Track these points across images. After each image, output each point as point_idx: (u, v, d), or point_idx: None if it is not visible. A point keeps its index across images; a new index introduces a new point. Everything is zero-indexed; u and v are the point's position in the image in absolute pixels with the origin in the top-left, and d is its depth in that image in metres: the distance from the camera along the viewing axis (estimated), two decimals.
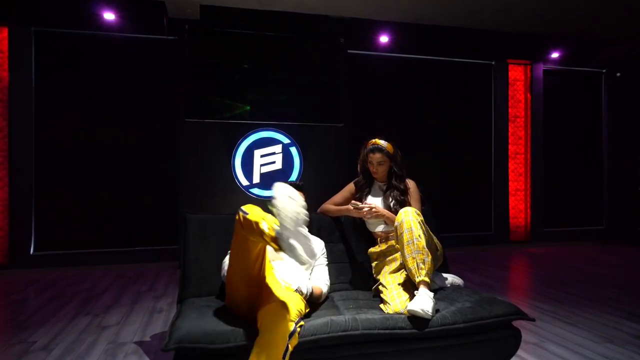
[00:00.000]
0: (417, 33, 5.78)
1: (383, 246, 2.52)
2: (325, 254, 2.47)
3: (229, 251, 2.08)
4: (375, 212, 2.47)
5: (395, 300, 2.17)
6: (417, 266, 2.11)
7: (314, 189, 5.08)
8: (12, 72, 4.82)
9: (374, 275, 2.51)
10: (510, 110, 6.55)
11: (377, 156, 2.58)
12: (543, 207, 6.61)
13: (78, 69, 5.07)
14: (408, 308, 1.95)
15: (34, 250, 4.92)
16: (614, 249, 6.33)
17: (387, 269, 2.44)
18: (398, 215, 2.27)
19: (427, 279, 2.09)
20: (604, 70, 6.96)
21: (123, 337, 2.89)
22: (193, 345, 1.63)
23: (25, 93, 4.86)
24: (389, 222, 2.49)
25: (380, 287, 2.34)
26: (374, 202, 2.62)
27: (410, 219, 2.21)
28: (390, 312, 2.10)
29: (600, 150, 7.05)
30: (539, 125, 6.59)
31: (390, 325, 1.91)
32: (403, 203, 2.56)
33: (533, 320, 2.08)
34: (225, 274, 2.08)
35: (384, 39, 5.78)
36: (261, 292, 1.88)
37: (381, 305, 2.22)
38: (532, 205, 6.55)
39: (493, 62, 6.42)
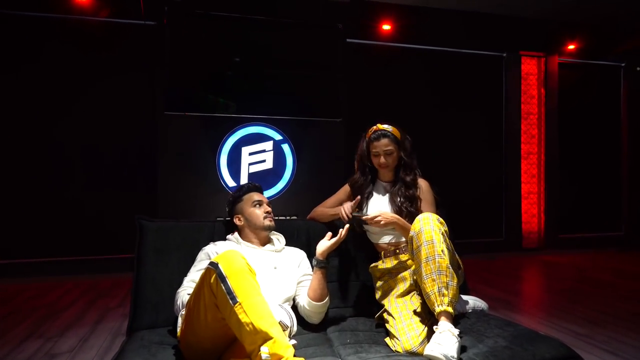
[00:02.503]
0: (422, 18, 5.28)
1: (389, 262, 2.01)
2: (307, 263, 2.02)
3: (188, 276, 1.79)
4: (383, 221, 1.93)
5: (405, 334, 1.67)
6: (439, 291, 1.61)
7: (308, 191, 4.62)
8: None
9: (378, 299, 2.00)
10: (522, 106, 6.05)
11: (384, 142, 2.06)
12: (558, 212, 6.10)
13: (40, 58, 4.52)
14: (426, 352, 1.45)
15: None
16: (635, 258, 5.82)
17: (395, 291, 1.93)
18: (415, 222, 1.76)
19: (450, 310, 1.59)
20: (623, 64, 6.47)
21: None
22: None
23: None
24: (399, 230, 1.96)
25: (386, 316, 1.84)
26: (379, 203, 2.11)
27: (431, 228, 1.70)
28: (400, 350, 1.62)
29: (619, 150, 6.54)
30: (553, 123, 6.08)
31: None
32: (412, 198, 2.05)
33: None
34: (182, 312, 1.59)
35: (386, 26, 5.29)
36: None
37: (387, 340, 1.73)
38: (546, 210, 6.03)
39: (504, 54, 5.92)
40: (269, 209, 2.00)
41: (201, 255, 1.85)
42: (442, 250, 1.66)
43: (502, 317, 1.95)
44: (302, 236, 2.17)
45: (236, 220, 1.98)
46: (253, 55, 4.54)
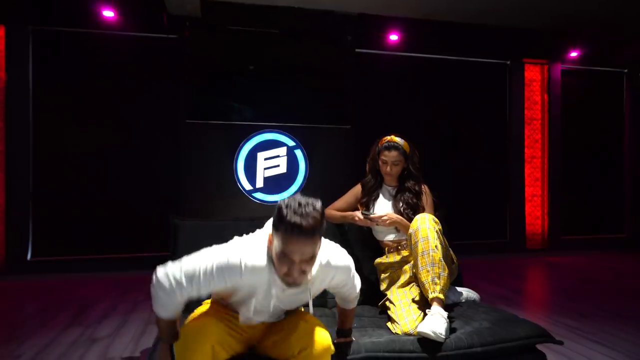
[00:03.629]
0: (428, 30, 5.55)
1: (392, 257, 2.29)
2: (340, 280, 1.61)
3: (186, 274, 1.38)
4: (389, 220, 2.22)
5: (404, 318, 1.94)
6: (432, 280, 1.89)
7: (320, 195, 4.89)
8: (9, 73, 4.69)
9: (381, 290, 2.28)
10: (526, 112, 6.27)
11: (393, 154, 2.34)
12: (561, 214, 6.30)
13: (77, 69, 4.92)
14: (418, 329, 1.72)
15: (31, 256, 4.77)
16: (636, 259, 6.00)
17: (397, 283, 2.21)
18: (413, 221, 2.06)
19: (441, 296, 1.86)
20: (625, 71, 6.65)
21: (113, 351, 2.71)
22: None
23: (23, 94, 4.73)
24: (402, 229, 2.24)
25: (388, 304, 2.12)
26: (384, 206, 2.39)
27: (427, 226, 1.99)
28: (399, 332, 1.89)
29: (621, 154, 6.72)
30: (556, 128, 6.29)
31: (397, 349, 1.70)
32: (416, 207, 2.33)
33: (561, 343, 1.84)
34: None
35: (393, 37, 5.56)
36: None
37: (388, 324, 2.00)
38: (549, 212, 6.25)
39: (508, 62, 6.15)
40: (296, 275, 1.36)
41: (214, 277, 1.37)
42: (435, 246, 1.94)
43: (490, 305, 2.21)
44: None
45: (269, 237, 1.44)
46: (267, 66, 4.85)
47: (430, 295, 1.87)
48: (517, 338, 1.76)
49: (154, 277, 1.37)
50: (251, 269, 1.38)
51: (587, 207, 6.57)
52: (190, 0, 4.18)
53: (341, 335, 1.73)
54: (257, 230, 1.54)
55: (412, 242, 2.01)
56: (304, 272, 1.36)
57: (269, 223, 1.46)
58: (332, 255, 1.53)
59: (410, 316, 1.94)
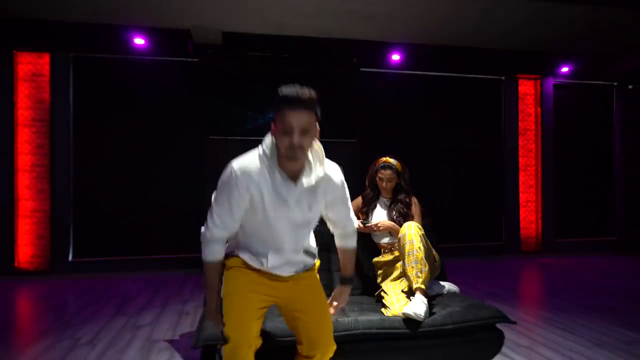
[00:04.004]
0: (427, 52, 6.08)
1: (387, 257, 2.81)
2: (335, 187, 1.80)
3: (222, 214, 1.65)
4: (383, 227, 2.75)
5: (394, 305, 2.46)
6: (415, 275, 2.41)
7: None
8: (53, 94, 5.31)
9: (379, 282, 2.80)
10: (520, 123, 6.75)
11: (387, 173, 2.88)
12: (554, 218, 6.76)
13: (111, 90, 5.54)
14: (403, 311, 2.24)
15: (72, 257, 5.38)
16: (626, 260, 6.42)
17: (389, 277, 2.73)
18: (402, 228, 2.58)
19: (423, 286, 2.38)
20: (615, 84, 7.09)
21: (156, 335, 3.25)
22: (217, 342, 1.97)
23: (65, 113, 5.36)
24: (393, 234, 2.77)
25: (382, 293, 2.64)
26: (380, 215, 2.92)
27: (412, 232, 2.51)
28: (390, 315, 2.39)
29: (612, 161, 7.15)
30: (549, 138, 6.77)
31: (387, 326, 2.21)
32: (406, 216, 2.85)
33: (515, 323, 2.34)
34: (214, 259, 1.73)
35: (395, 56, 6.09)
36: None
37: (382, 309, 2.50)
38: (543, 216, 6.71)
39: (503, 77, 6.65)
40: (296, 145, 1.53)
41: (232, 189, 1.60)
42: (418, 247, 2.46)
43: (465, 296, 2.72)
44: (322, 237, 2.98)
45: (272, 126, 1.62)
46: (280, 86, 5.39)
47: (414, 286, 2.39)
48: (480, 318, 2.26)
49: (201, 233, 1.68)
50: (243, 170, 1.58)
51: (579, 212, 7.01)
52: (213, 31, 4.75)
53: (343, 283, 1.97)
54: None
55: (401, 244, 2.53)
56: (301, 148, 1.53)
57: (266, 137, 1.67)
58: (329, 169, 1.74)
59: (399, 302, 2.46)
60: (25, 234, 5.26)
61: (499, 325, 2.35)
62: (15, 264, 5.21)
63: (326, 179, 1.72)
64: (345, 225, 1.93)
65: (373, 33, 5.44)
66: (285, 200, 1.63)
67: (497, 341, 2.30)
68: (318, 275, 1.93)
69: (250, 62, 5.26)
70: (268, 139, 1.67)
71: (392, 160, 2.91)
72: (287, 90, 1.56)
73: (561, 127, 6.88)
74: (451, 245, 6.36)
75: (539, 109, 6.76)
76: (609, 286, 4.80)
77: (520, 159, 6.75)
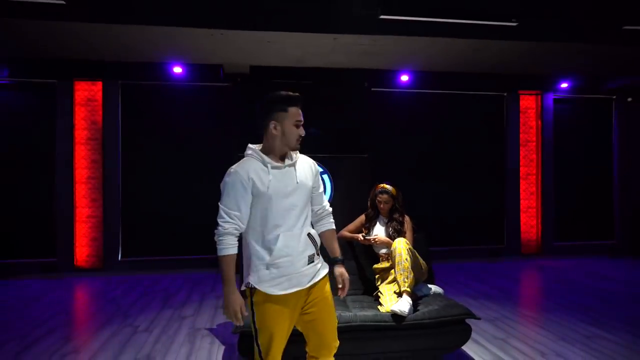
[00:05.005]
0: (432, 76, 6.72)
1: (384, 264, 3.48)
2: (317, 169, 2.21)
3: (227, 207, 1.88)
4: (379, 240, 3.43)
5: (387, 303, 3.13)
6: (403, 280, 3.08)
7: (342, 211, 6.10)
8: (105, 116, 6.16)
9: (376, 285, 3.49)
10: (522, 135, 7.28)
11: (384, 197, 3.54)
12: (553, 223, 7.28)
13: (153, 112, 6.38)
14: (391, 308, 2.92)
15: (121, 257, 6.24)
16: (622, 263, 6.88)
17: (385, 280, 3.41)
18: (393, 243, 3.25)
19: (408, 289, 3.05)
20: (614, 97, 7.53)
21: (198, 324, 4.02)
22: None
23: (114, 133, 6.20)
24: (388, 246, 3.45)
25: (379, 294, 3.32)
26: (379, 230, 3.58)
27: (401, 246, 3.18)
28: (384, 311, 3.07)
29: (611, 169, 7.61)
30: (549, 149, 7.28)
31: (379, 319, 2.90)
32: (400, 232, 3.50)
33: (479, 319, 3.00)
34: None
35: (404, 77, 6.71)
36: None
37: (379, 307, 3.18)
38: (543, 221, 7.24)
39: (505, 94, 7.19)
40: (304, 133, 2.01)
41: (235, 184, 1.86)
42: (405, 259, 3.13)
43: (446, 297, 3.37)
44: None
45: (271, 127, 1.95)
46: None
47: (402, 289, 3.06)
48: (451, 315, 2.92)
49: (215, 233, 1.88)
50: (241, 167, 1.89)
51: (578, 217, 7.50)
52: (243, 65, 5.51)
53: (334, 263, 2.20)
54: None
55: (392, 256, 3.21)
56: (301, 137, 1.97)
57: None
58: (304, 157, 2.16)
59: (391, 301, 3.14)
60: (82, 237, 6.14)
61: (468, 321, 3.00)
62: (75, 263, 6.09)
63: (309, 163, 2.11)
64: (325, 206, 2.22)
65: (381, 64, 6.11)
66: (281, 179, 1.92)
67: (465, 333, 2.96)
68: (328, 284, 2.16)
69: (274, 89, 5.97)
70: (251, 146, 1.99)
71: (388, 187, 3.58)
72: (283, 93, 1.95)
73: (561, 138, 7.38)
74: (455, 247, 6.98)
75: (539, 122, 7.27)
76: (595, 288, 5.33)
77: (522, 168, 7.29)
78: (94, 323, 4.14)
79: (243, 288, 1.97)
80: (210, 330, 3.88)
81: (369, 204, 3.73)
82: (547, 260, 7.05)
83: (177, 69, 6.14)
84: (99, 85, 6.15)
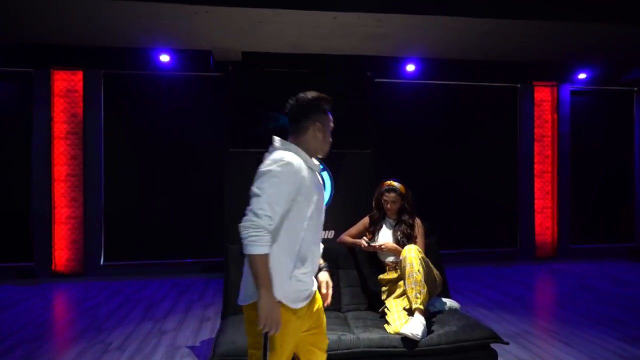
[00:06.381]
0: (441, 65, 6.19)
1: (391, 275, 2.99)
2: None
3: (271, 204, 1.60)
4: (386, 248, 2.94)
5: (396, 322, 2.66)
6: (415, 296, 2.59)
7: (343, 212, 5.62)
8: (86, 109, 5.69)
9: (382, 299, 3.00)
10: (536, 130, 6.78)
11: (392, 195, 3.04)
12: (570, 225, 6.79)
13: (138, 103, 5.91)
14: (401, 330, 2.44)
15: (104, 261, 5.76)
16: None
17: (393, 294, 2.93)
18: (403, 251, 2.76)
19: (421, 307, 2.56)
20: (635, 89, 7.02)
21: (179, 341, 3.54)
22: (231, 358, 2.22)
23: (96, 126, 5.73)
24: (396, 254, 2.96)
25: (386, 310, 2.84)
26: (385, 235, 3.09)
27: (412, 255, 2.69)
28: (392, 332, 2.59)
29: (632, 166, 7.10)
30: (566, 145, 6.78)
31: (386, 344, 2.42)
32: (410, 237, 3.02)
33: (507, 343, 2.51)
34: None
35: (410, 67, 6.21)
36: None
37: (385, 326, 2.70)
38: (559, 223, 6.74)
39: (518, 85, 6.69)
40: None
41: (287, 176, 1.64)
42: (418, 270, 2.64)
43: (464, 314, 2.89)
44: (332, 254, 3.20)
45: (311, 127, 1.79)
46: (305, 92, 5.62)
47: (414, 306, 2.58)
48: (473, 339, 2.44)
49: (243, 227, 1.58)
50: (296, 161, 1.66)
51: (596, 218, 7.01)
52: (234, 51, 5.01)
53: (325, 270, 2.03)
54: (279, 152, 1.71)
55: (402, 266, 2.72)
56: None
57: (279, 149, 1.72)
58: None
59: (401, 320, 2.65)
60: (61, 239, 5.67)
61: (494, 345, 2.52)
62: (53, 267, 5.62)
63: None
64: None
65: (386, 50, 5.60)
66: (318, 184, 1.83)
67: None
68: None
69: (268, 78, 5.49)
70: (292, 145, 1.75)
71: (395, 184, 3.08)
72: (323, 95, 1.86)
73: (578, 133, 6.88)
74: (464, 250, 6.49)
75: (555, 116, 6.77)
76: (620, 296, 4.85)
77: (537, 166, 6.79)
78: (62, 339, 3.68)
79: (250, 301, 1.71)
80: (192, 348, 3.41)
81: (373, 204, 3.23)
82: (563, 265, 6.56)
83: (164, 57, 5.65)
84: (79, 75, 5.67)
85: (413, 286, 2.62)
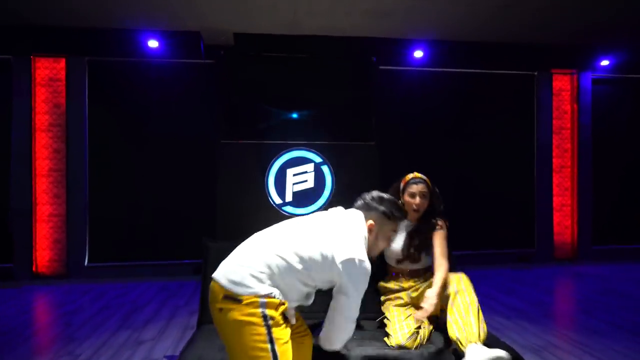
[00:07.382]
0: (452, 48, 5.72)
1: (392, 285, 2.52)
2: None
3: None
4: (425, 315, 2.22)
5: (397, 332, 2.22)
6: (472, 331, 2.10)
7: (345, 207, 5.18)
8: (69, 99, 5.32)
9: (381, 308, 2.56)
10: (555, 121, 6.29)
11: (421, 186, 2.48)
12: (591, 223, 6.28)
13: (125, 93, 5.53)
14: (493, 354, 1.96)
15: (88, 262, 5.38)
16: None
17: (393, 302, 2.48)
18: (451, 282, 2.27)
19: (481, 340, 2.07)
20: None
21: (156, 353, 3.13)
22: None
23: (80, 117, 5.36)
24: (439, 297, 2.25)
25: (385, 321, 2.40)
26: (397, 240, 2.52)
27: (471, 289, 2.24)
28: (393, 344, 2.16)
29: None
30: (586, 137, 6.28)
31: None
32: (428, 248, 2.47)
33: None
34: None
35: (418, 53, 5.76)
36: None
37: (385, 339, 2.26)
38: (579, 221, 6.24)
39: (535, 73, 6.20)
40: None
41: (368, 277, 1.79)
42: (477, 308, 2.17)
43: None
44: None
45: (368, 224, 1.94)
46: (296, 87, 5.20)
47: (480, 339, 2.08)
48: None
49: (347, 337, 1.92)
50: (364, 253, 1.79)
51: (619, 217, 6.49)
52: (224, 32, 4.59)
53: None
54: (343, 227, 1.87)
55: (453, 297, 2.21)
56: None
57: (353, 220, 1.92)
58: None
59: (403, 330, 2.21)
60: (42, 239, 5.30)
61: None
62: (34, 269, 5.25)
63: None
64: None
65: (391, 30, 5.14)
66: None
67: None
68: None
69: (263, 63, 5.08)
70: (364, 231, 1.89)
71: (421, 175, 2.56)
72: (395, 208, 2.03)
73: (600, 125, 6.37)
74: (479, 252, 6.02)
75: (575, 106, 6.27)
76: None
77: (555, 160, 6.29)
78: (25, 349, 3.28)
79: (250, 300, 1.65)
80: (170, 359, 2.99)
81: None
82: (584, 267, 6.05)
83: (153, 43, 5.26)
84: (62, 63, 5.31)
85: (474, 321, 2.13)
